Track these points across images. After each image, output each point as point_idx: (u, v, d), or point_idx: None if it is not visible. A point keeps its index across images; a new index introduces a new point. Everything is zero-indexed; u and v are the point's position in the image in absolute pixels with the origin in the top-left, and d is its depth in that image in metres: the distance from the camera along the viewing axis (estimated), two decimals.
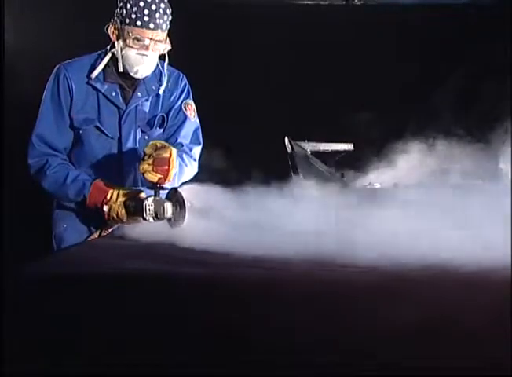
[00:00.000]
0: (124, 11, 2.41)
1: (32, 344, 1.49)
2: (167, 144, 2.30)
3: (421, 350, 1.43)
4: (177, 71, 2.67)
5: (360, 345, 1.44)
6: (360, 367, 1.43)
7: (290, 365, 1.45)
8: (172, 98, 2.62)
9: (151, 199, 2.24)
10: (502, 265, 1.54)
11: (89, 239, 2.47)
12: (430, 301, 1.42)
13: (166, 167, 2.24)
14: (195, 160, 2.62)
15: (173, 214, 2.22)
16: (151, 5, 2.38)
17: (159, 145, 2.28)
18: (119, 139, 2.54)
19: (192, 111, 2.66)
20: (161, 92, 2.58)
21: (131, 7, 2.39)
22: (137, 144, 2.52)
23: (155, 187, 2.27)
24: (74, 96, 2.51)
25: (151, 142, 2.32)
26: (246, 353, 1.47)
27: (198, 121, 2.69)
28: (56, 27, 3.94)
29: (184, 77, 2.68)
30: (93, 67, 2.51)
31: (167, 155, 2.25)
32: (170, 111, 2.62)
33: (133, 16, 2.39)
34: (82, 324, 1.50)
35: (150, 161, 2.24)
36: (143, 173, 2.25)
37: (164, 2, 2.42)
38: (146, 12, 2.38)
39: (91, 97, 2.52)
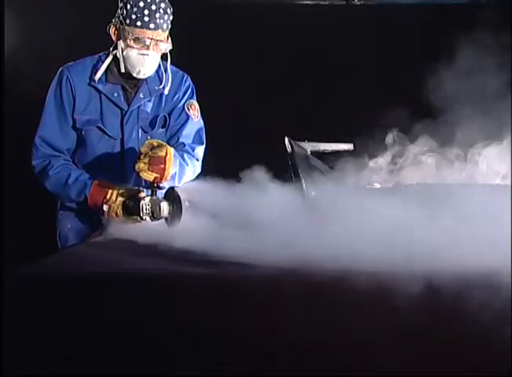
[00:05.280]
0: (124, 11, 2.41)
1: (32, 344, 1.49)
2: (164, 143, 2.31)
3: (421, 350, 1.43)
4: (181, 72, 2.67)
5: (360, 346, 1.44)
6: (360, 367, 1.43)
7: (289, 365, 1.45)
8: (175, 98, 2.63)
9: (147, 199, 2.25)
10: (503, 265, 1.54)
11: (89, 239, 2.47)
12: (430, 301, 1.42)
13: (162, 166, 2.25)
14: (197, 160, 2.63)
15: (169, 213, 2.23)
16: (151, 6, 2.39)
17: (155, 144, 2.29)
18: (122, 139, 2.56)
19: (195, 112, 2.66)
20: (166, 92, 2.58)
21: (131, 7, 2.39)
22: (139, 145, 2.52)
23: (152, 186, 2.28)
24: (77, 97, 2.52)
25: (147, 141, 2.33)
26: (246, 352, 1.47)
27: (202, 121, 2.69)
28: (56, 27, 3.93)
29: (189, 78, 2.69)
30: (95, 69, 2.53)
31: (163, 153, 2.26)
32: (172, 111, 2.62)
33: (133, 16, 2.39)
34: (82, 324, 1.50)
35: (146, 160, 2.25)
36: (138, 172, 2.26)
37: (165, 2, 2.43)
38: (146, 12, 2.38)
39: (94, 99, 2.53)
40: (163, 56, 2.55)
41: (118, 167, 2.55)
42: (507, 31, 3.31)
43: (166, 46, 2.48)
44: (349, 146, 3.49)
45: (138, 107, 2.56)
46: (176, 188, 2.28)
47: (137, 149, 2.48)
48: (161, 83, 2.58)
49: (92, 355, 1.48)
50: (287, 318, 1.48)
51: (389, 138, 3.10)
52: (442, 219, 1.89)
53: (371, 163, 2.99)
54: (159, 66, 2.55)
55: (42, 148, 2.51)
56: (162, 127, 2.61)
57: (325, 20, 4.19)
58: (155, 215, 2.23)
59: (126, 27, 2.41)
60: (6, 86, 3.52)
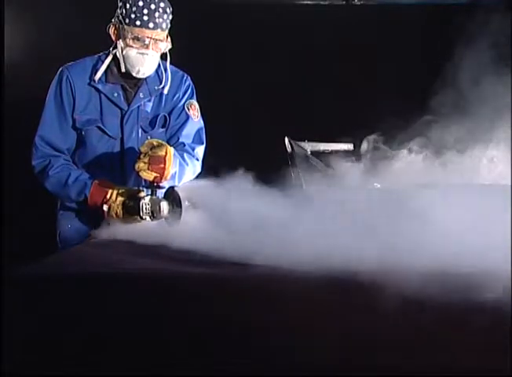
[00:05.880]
0: (124, 11, 2.41)
1: (32, 344, 1.49)
2: (164, 143, 2.32)
3: (420, 351, 1.43)
4: (181, 72, 2.68)
5: (361, 346, 1.44)
6: (360, 367, 1.43)
7: (289, 365, 1.45)
8: (175, 98, 2.63)
9: (147, 198, 2.25)
10: (503, 265, 1.54)
11: (89, 239, 2.47)
12: (430, 301, 1.42)
13: (162, 166, 2.26)
14: (197, 160, 2.63)
15: (169, 212, 2.23)
16: (150, 5, 2.39)
17: (155, 144, 2.29)
18: (121, 139, 2.56)
19: (195, 112, 2.67)
20: (166, 91, 2.59)
21: (130, 7, 2.40)
22: (139, 144, 2.52)
23: (152, 186, 2.28)
24: (77, 97, 2.52)
25: (147, 141, 2.33)
26: (246, 352, 1.47)
27: (202, 121, 2.70)
28: (56, 27, 3.93)
29: (189, 77, 2.69)
30: (95, 69, 2.53)
31: (163, 153, 2.26)
32: (172, 110, 2.62)
33: (133, 15, 2.40)
34: (81, 324, 1.50)
35: (146, 159, 2.26)
36: (138, 172, 2.26)
37: (164, 1, 2.43)
38: (145, 11, 2.39)
39: (94, 98, 2.54)
40: (163, 56, 2.55)
41: (118, 167, 2.55)
42: (507, 30, 3.31)
43: (166, 46, 2.48)
44: (348, 146, 3.49)
45: (138, 107, 2.57)
46: (176, 188, 2.28)
47: (136, 149, 2.48)
48: (161, 83, 2.58)
49: (92, 355, 1.48)
50: (287, 318, 1.48)
51: (387, 139, 3.10)
52: (442, 219, 1.89)
53: (371, 163, 2.99)
54: (159, 65, 2.56)
55: (42, 148, 2.51)
56: (162, 127, 2.61)
57: (325, 20, 4.19)
58: (155, 215, 2.24)
59: (126, 27, 2.42)
60: (6, 85, 3.52)
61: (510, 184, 2.49)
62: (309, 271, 1.53)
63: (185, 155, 2.55)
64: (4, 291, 1.52)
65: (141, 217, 2.25)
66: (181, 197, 2.22)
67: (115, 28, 2.47)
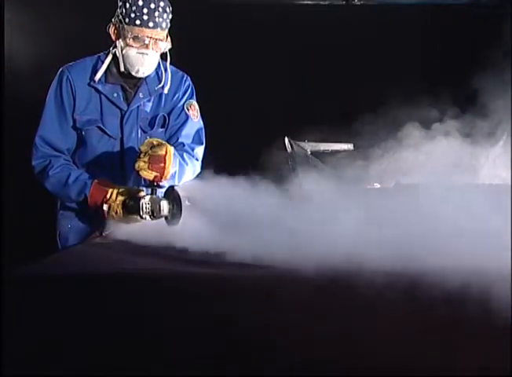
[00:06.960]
0: (123, 10, 2.41)
1: (32, 344, 1.49)
2: (163, 142, 2.31)
3: (420, 351, 1.43)
4: (180, 72, 2.68)
5: (360, 346, 1.44)
6: (360, 367, 1.43)
7: (289, 365, 1.45)
8: (175, 98, 2.63)
9: (147, 198, 2.25)
10: (503, 265, 1.54)
11: (89, 239, 2.47)
12: (429, 300, 1.42)
13: (162, 165, 2.25)
14: (197, 160, 2.63)
15: (169, 212, 2.23)
16: (149, 4, 2.39)
17: (155, 143, 2.29)
18: (121, 139, 2.56)
19: (194, 112, 2.66)
20: (166, 91, 2.58)
21: (130, 6, 2.40)
22: (139, 144, 2.52)
23: (152, 185, 2.28)
24: (77, 97, 2.52)
25: (147, 140, 2.33)
26: (246, 352, 1.47)
27: (201, 121, 2.70)
28: (56, 28, 3.94)
29: (188, 78, 2.69)
30: (95, 69, 2.53)
31: (163, 152, 2.26)
32: (172, 111, 2.62)
33: (132, 15, 2.39)
34: (82, 324, 1.50)
35: (146, 159, 2.25)
36: (138, 171, 2.26)
37: (164, 1, 2.43)
38: (145, 11, 2.38)
39: (94, 99, 2.54)
40: (163, 56, 2.55)
41: (118, 167, 2.55)
42: (507, 30, 3.31)
43: (166, 45, 2.48)
44: (348, 146, 3.50)
45: (138, 107, 2.56)
46: (176, 187, 2.28)
47: (136, 149, 2.48)
48: (160, 83, 2.58)
49: (92, 355, 1.48)
50: (287, 318, 1.48)
51: (387, 138, 3.11)
52: (443, 219, 1.89)
53: (372, 163, 2.99)
54: (159, 66, 2.56)
55: (42, 148, 2.51)
56: (161, 127, 2.61)
57: (325, 20, 4.20)
58: (155, 214, 2.24)
59: (126, 26, 2.41)
60: (6, 85, 3.52)
61: (510, 184, 2.50)
62: (309, 271, 1.53)
63: (185, 154, 2.55)
64: (4, 291, 1.52)
65: (141, 217, 2.25)
66: (181, 196, 2.22)
67: (115, 28, 2.47)
